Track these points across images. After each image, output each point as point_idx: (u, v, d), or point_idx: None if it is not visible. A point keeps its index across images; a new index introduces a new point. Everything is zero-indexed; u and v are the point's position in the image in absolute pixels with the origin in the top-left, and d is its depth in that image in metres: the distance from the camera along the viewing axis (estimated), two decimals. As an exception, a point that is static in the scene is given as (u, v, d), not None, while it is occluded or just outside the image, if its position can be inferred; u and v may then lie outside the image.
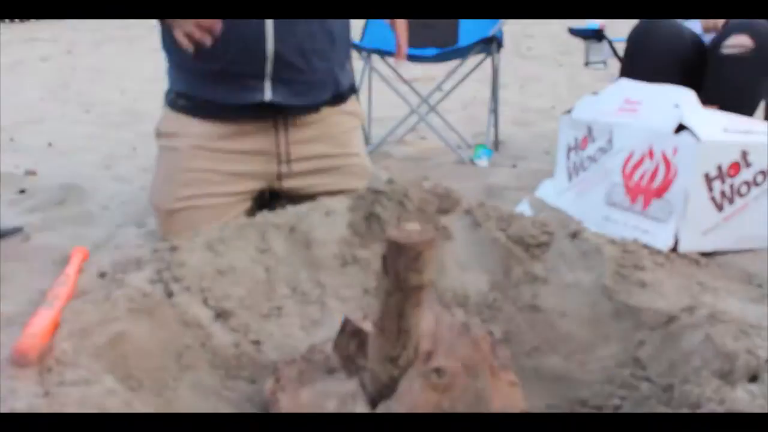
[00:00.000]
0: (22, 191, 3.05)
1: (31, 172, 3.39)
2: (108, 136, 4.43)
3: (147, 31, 12.84)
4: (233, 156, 2.15)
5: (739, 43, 2.66)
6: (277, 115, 2.16)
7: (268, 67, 2.07)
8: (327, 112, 2.22)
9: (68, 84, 6.96)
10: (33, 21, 18.46)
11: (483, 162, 3.47)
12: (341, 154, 2.24)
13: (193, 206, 2.14)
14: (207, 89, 2.12)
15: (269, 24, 2.04)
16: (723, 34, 2.71)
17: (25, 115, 5.21)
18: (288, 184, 2.22)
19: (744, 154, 2.07)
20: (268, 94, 2.10)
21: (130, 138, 4.37)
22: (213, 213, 2.13)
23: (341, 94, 2.25)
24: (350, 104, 2.29)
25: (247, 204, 2.21)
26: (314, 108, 2.18)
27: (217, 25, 1.94)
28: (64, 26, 15.48)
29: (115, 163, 3.69)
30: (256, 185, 2.21)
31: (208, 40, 1.95)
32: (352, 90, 2.32)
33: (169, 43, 2.14)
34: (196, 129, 2.16)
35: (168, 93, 2.26)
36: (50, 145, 4.13)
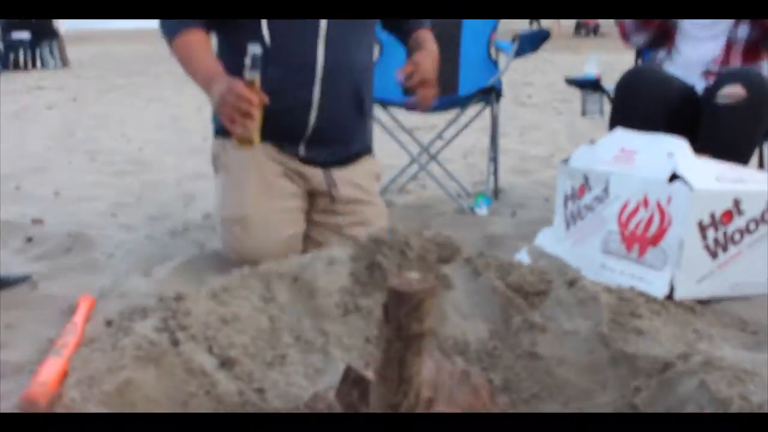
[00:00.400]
0: (29, 239, 3.09)
1: (37, 221, 3.44)
2: (114, 185, 4.49)
3: (152, 80, 13.02)
4: (289, 173, 2.41)
5: (733, 92, 2.71)
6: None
7: (307, 133, 2.36)
8: (356, 162, 2.52)
9: (73, 132, 7.05)
10: (39, 69, 18.68)
11: (483, 210, 3.52)
12: (369, 193, 2.52)
13: (269, 210, 2.32)
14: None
15: (315, 97, 2.30)
16: (717, 84, 2.77)
17: (31, 163, 5.28)
18: (320, 213, 2.48)
19: (736, 203, 2.12)
20: (302, 151, 2.39)
21: (135, 186, 4.43)
22: (284, 221, 2.27)
23: (367, 148, 2.57)
24: (370, 158, 2.60)
25: (303, 223, 2.39)
26: (345, 160, 2.47)
27: (254, 110, 2.03)
28: (69, 74, 15.68)
29: (120, 211, 3.74)
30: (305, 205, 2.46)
31: (249, 124, 2.07)
32: (371, 147, 2.63)
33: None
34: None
35: (216, 125, 2.42)
36: (56, 193, 4.18)
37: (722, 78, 2.77)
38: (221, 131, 2.40)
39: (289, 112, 2.29)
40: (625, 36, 3.17)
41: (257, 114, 2.07)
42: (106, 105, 9.70)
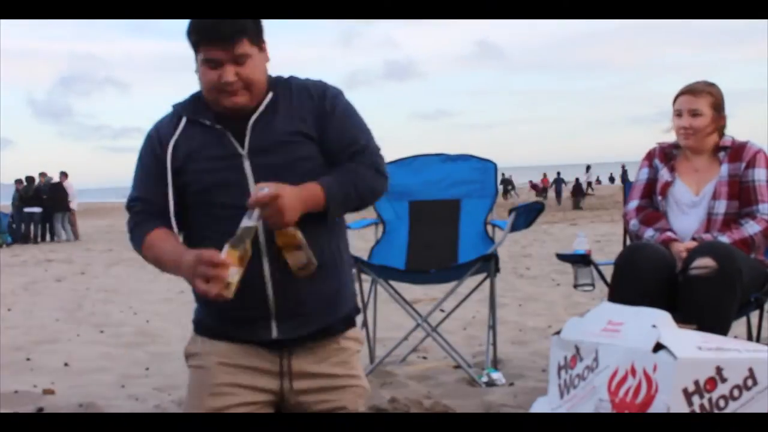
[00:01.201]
0: (40, 410, 3.18)
1: (48, 391, 3.54)
2: (122, 356, 4.60)
3: (158, 253, 13.27)
4: (250, 371, 2.31)
5: (703, 264, 2.91)
6: (284, 345, 2.31)
7: (271, 309, 2.24)
8: (334, 338, 2.36)
9: (82, 304, 7.20)
10: (48, 242, 19.08)
11: (497, 376, 3.67)
12: (344, 375, 2.38)
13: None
14: (219, 324, 2.32)
15: (266, 272, 2.21)
16: (689, 258, 2.97)
17: (41, 335, 5.41)
18: (293, 400, 2.35)
19: (719, 370, 2.24)
20: (274, 333, 2.26)
21: (143, 358, 4.54)
22: None
23: (345, 319, 2.39)
24: (353, 331, 2.44)
25: (270, 409, 2.34)
26: (320, 334, 2.32)
27: (223, 271, 2.06)
28: (77, 247, 15.99)
29: (129, 382, 3.84)
30: (271, 398, 2.35)
31: (215, 287, 2.06)
32: (356, 313, 2.47)
33: None
34: (216, 348, 2.34)
35: (194, 319, 2.46)
36: (66, 364, 4.29)
37: (694, 252, 2.98)
38: (199, 325, 2.40)
39: (244, 295, 2.15)
40: (639, 239, 3.36)
41: (228, 272, 2.07)
42: (113, 278, 9.90)
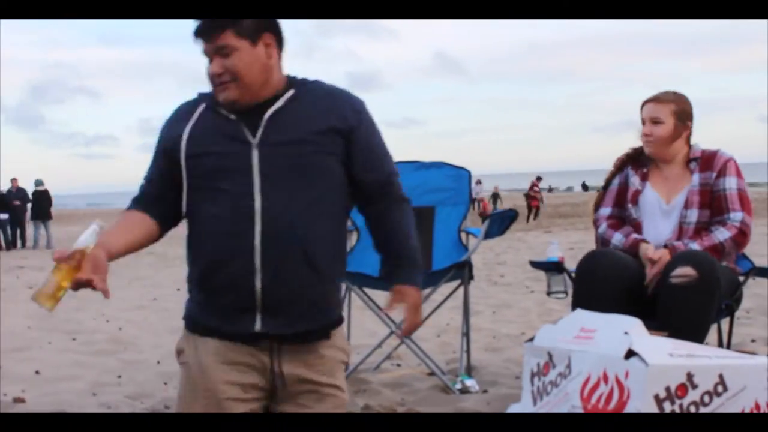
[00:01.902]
0: (11, 418, 3.15)
1: (19, 400, 3.50)
2: (94, 364, 4.56)
3: (132, 260, 13.17)
4: (240, 367, 2.30)
5: (684, 273, 2.94)
6: (270, 343, 2.32)
7: (258, 301, 2.23)
8: (320, 344, 2.34)
9: (54, 312, 7.11)
10: (20, 249, 18.88)
11: (471, 383, 3.67)
12: (328, 385, 2.35)
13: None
14: (207, 316, 2.31)
15: (257, 262, 2.22)
16: (669, 266, 2.99)
17: (12, 342, 5.35)
18: (281, 403, 2.36)
19: (690, 376, 2.26)
20: (257, 325, 2.25)
21: (115, 366, 4.51)
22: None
23: (331, 325, 2.37)
24: (340, 339, 2.42)
25: (257, 405, 2.34)
26: (304, 336, 2.30)
27: (57, 270, 2.10)
28: (49, 254, 15.84)
29: (101, 390, 3.81)
30: (260, 395, 2.33)
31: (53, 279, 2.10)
32: (340, 321, 2.43)
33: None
34: (205, 346, 2.34)
35: (184, 315, 2.46)
36: (37, 372, 4.25)
37: (674, 260, 3.00)
38: (188, 324, 2.37)
39: (233, 282, 2.22)
40: (607, 243, 3.39)
41: (57, 276, 2.09)
42: (86, 285, 9.79)
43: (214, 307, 2.28)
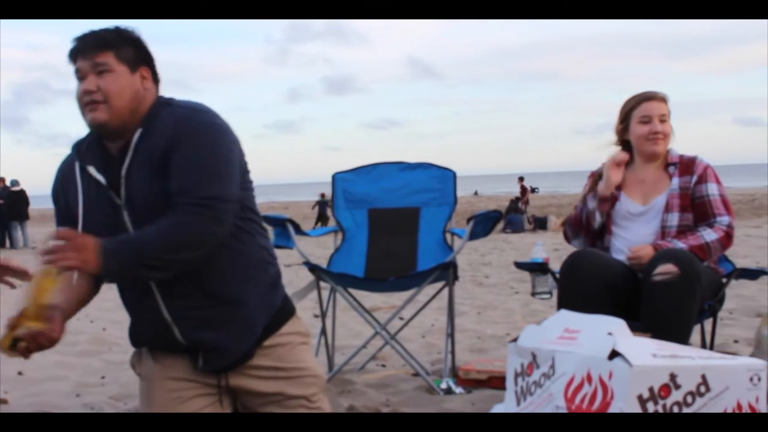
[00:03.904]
0: (-7, 419, 3.13)
1: (2, 401, 3.48)
2: (77, 365, 4.54)
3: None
4: (189, 383, 2.36)
5: (666, 270, 2.95)
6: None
7: (185, 346, 2.30)
8: (267, 342, 2.36)
9: (37, 313, 7.08)
10: (8, 248, 18.73)
11: (452, 386, 3.67)
12: (290, 368, 2.38)
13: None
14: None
15: (164, 311, 2.26)
16: (651, 264, 3.00)
17: (-6, 344, 5.30)
18: (239, 382, 2.36)
19: (673, 377, 2.27)
20: (200, 362, 2.31)
21: (99, 366, 4.49)
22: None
23: (273, 322, 2.37)
24: (288, 326, 2.41)
25: (224, 399, 2.38)
26: (242, 360, 2.32)
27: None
28: (33, 254, 15.72)
29: (84, 391, 3.79)
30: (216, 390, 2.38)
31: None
32: (285, 313, 2.42)
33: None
34: (153, 355, 2.41)
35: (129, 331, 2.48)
36: (20, 373, 4.22)
37: (656, 258, 3.02)
38: (131, 338, 2.46)
39: (158, 335, 2.30)
40: (567, 239, 3.46)
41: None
42: (70, 285, 9.74)
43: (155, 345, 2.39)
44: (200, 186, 2.12)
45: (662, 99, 3.35)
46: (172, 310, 2.25)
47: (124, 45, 2.24)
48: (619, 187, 3.37)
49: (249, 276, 2.32)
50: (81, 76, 2.21)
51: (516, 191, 27.78)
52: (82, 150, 2.30)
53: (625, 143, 3.43)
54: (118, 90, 2.20)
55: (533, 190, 38.51)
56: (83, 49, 2.20)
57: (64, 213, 2.35)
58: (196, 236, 2.13)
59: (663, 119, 3.32)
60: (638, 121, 3.34)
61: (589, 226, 3.37)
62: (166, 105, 2.26)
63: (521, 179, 28.21)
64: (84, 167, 2.27)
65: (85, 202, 2.26)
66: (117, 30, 2.25)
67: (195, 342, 2.28)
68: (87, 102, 2.19)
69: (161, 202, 2.14)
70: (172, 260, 2.12)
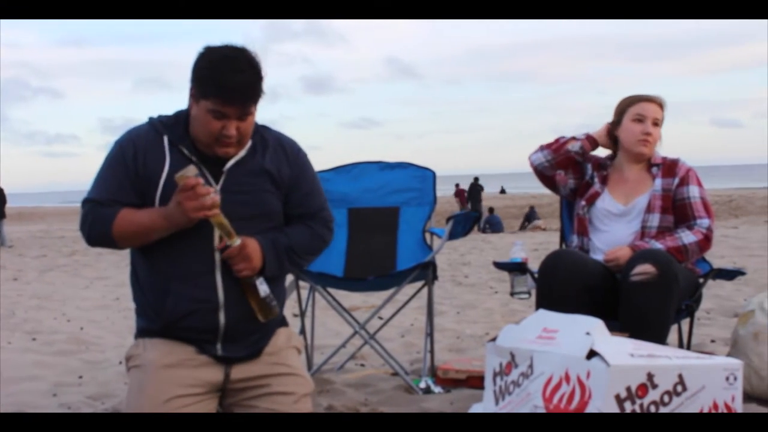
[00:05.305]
0: (-31, 420, 3.11)
1: (-23, 401, 3.45)
2: (55, 364, 4.51)
3: (93, 259, 13.05)
4: (191, 362, 2.40)
5: (644, 270, 2.97)
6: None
7: (220, 334, 2.39)
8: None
9: (14, 311, 7.04)
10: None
11: (430, 385, 3.68)
12: (280, 364, 2.48)
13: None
14: (168, 334, 2.41)
15: (220, 296, 2.37)
16: (629, 264, 3.03)
17: (-30, 343, 5.26)
18: (234, 395, 2.45)
19: (650, 376, 2.29)
20: (219, 351, 2.41)
21: (76, 366, 4.46)
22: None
23: (279, 322, 2.54)
24: (287, 330, 2.59)
25: (212, 401, 2.43)
26: (256, 354, 2.47)
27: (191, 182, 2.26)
28: (9, 252, 15.62)
29: (61, 391, 3.76)
30: (210, 389, 2.43)
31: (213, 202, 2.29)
32: (281, 322, 2.57)
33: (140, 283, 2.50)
34: (157, 346, 2.41)
35: (136, 332, 2.52)
36: (-4, 373, 4.19)
37: (634, 258, 3.04)
38: (144, 332, 2.46)
39: (199, 316, 2.37)
40: (530, 159, 3.52)
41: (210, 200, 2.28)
42: (47, 284, 9.70)
43: (176, 333, 2.41)
44: (326, 208, 2.60)
45: (660, 103, 3.38)
46: (227, 293, 2.38)
47: (262, 87, 2.38)
48: (604, 182, 3.40)
49: (283, 278, 2.59)
50: (223, 116, 2.31)
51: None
52: (171, 131, 2.43)
53: (614, 139, 3.44)
54: (251, 128, 2.40)
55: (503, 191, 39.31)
56: (243, 101, 2.32)
57: (131, 176, 2.40)
58: (323, 246, 2.60)
59: (656, 123, 3.35)
60: (632, 118, 3.35)
61: (561, 146, 3.42)
62: (262, 128, 2.52)
63: (457, 185, 30.12)
64: (175, 144, 2.40)
65: (169, 174, 2.36)
66: (262, 77, 2.36)
67: (234, 330, 2.39)
68: (225, 141, 2.34)
69: (255, 199, 2.42)
70: (306, 261, 2.59)
